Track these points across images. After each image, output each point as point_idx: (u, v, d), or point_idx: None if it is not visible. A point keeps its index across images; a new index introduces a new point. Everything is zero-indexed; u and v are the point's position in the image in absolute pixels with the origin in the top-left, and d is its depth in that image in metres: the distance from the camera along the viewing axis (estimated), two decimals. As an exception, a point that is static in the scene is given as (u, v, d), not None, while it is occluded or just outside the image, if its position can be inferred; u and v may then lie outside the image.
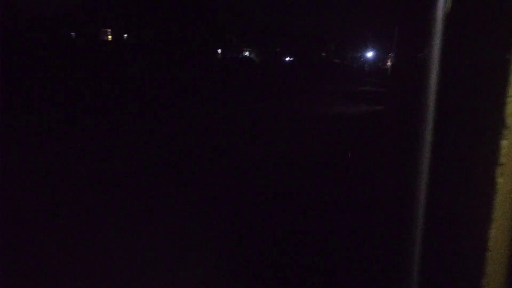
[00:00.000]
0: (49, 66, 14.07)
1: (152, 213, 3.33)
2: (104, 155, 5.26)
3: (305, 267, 2.55)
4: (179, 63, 19.74)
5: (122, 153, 5.37)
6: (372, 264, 2.55)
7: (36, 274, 2.38)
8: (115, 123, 7.74)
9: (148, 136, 6.71)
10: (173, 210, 3.42)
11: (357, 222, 3.25)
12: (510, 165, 1.22)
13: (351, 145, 6.61)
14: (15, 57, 12.67)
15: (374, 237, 2.83)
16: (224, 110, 10.58)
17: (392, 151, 2.47)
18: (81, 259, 2.56)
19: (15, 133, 6.28)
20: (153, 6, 20.69)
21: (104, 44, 20.36)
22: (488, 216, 1.21)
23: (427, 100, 1.28)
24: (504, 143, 1.21)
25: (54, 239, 2.82)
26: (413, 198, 1.27)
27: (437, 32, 1.32)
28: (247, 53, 39.68)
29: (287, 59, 43.20)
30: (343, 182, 4.39)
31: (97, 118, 8.14)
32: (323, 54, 49.16)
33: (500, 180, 1.20)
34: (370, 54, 48.03)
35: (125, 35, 22.09)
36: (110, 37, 22.29)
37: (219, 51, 30.80)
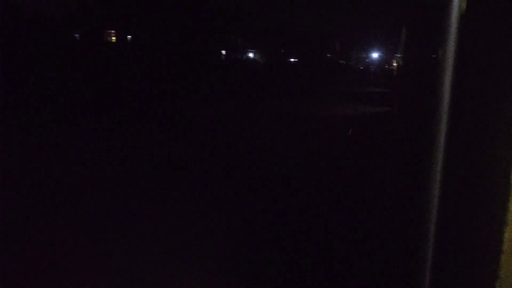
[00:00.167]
0: (52, 67, 14.13)
1: (153, 212, 3.33)
2: (107, 155, 5.23)
3: (314, 268, 2.52)
4: (182, 64, 19.73)
5: (124, 153, 5.35)
6: (384, 266, 2.52)
7: (36, 274, 2.36)
8: (118, 124, 7.72)
9: (152, 136, 6.69)
10: (174, 210, 3.42)
11: (369, 224, 3.22)
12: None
13: (358, 144, 6.50)
14: (18, 58, 12.71)
15: (386, 239, 2.80)
16: (227, 111, 10.55)
17: (401, 152, 2.43)
18: (81, 260, 2.53)
19: (16, 133, 6.28)
20: (156, 7, 20.71)
21: (108, 46, 20.41)
22: (503, 219, 1.18)
23: (441, 101, 1.25)
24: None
25: (53, 239, 2.79)
26: (426, 199, 1.25)
27: (452, 33, 1.27)
28: (251, 55, 39.65)
29: (292, 60, 43.12)
30: (353, 183, 4.32)
31: (100, 119, 8.14)
32: (328, 55, 49.02)
33: (511, 212, 1.15)
34: (375, 55, 47.88)
35: (129, 36, 22.13)
36: (114, 38, 22.34)
37: (223, 52, 30.79)
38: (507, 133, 1.23)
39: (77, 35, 19.88)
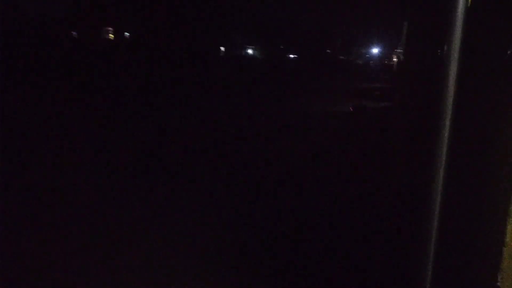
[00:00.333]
0: (50, 65, 14.08)
1: (154, 212, 3.33)
2: (107, 154, 5.22)
3: (314, 267, 2.57)
4: (181, 61, 19.66)
5: (125, 150, 5.34)
6: (386, 259, 2.54)
7: (36, 274, 2.37)
8: (117, 121, 7.69)
9: (151, 134, 6.66)
10: (173, 210, 3.42)
11: (370, 220, 3.19)
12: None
13: (359, 140, 6.44)
14: (15, 56, 12.65)
15: (388, 232, 2.79)
16: (227, 107, 10.52)
17: (404, 147, 2.44)
18: (81, 260, 2.56)
19: (14, 132, 6.24)
20: (154, 4, 20.60)
21: (107, 43, 20.32)
22: (506, 211, 1.19)
23: (445, 98, 1.25)
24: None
25: (53, 239, 2.82)
26: (429, 192, 1.26)
27: (458, 27, 1.24)
28: (250, 51, 39.49)
29: (291, 56, 42.96)
30: (354, 180, 4.30)
31: (99, 116, 8.11)
32: (328, 51, 48.84)
33: None
34: (375, 50, 47.68)
35: (127, 33, 22.03)
36: (112, 35, 22.23)
37: (222, 48, 30.68)
38: (511, 127, 1.23)
39: (74, 33, 19.81)
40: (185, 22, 21.99)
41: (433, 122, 1.28)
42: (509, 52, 1.27)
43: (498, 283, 1.19)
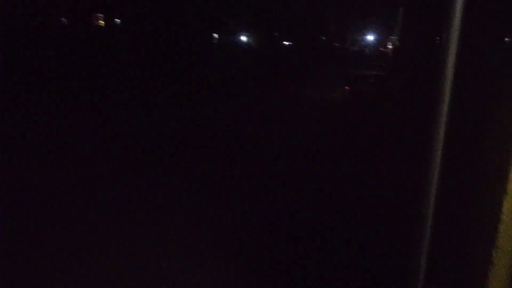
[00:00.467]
0: (40, 54, 13.77)
1: (154, 212, 3.27)
2: (102, 151, 5.07)
3: (309, 266, 2.48)
4: (173, 48, 19.34)
5: (121, 149, 5.20)
6: (380, 261, 2.47)
7: (36, 274, 2.33)
8: (109, 113, 7.54)
9: (142, 125, 6.52)
10: (172, 207, 3.36)
11: (364, 220, 3.13)
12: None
13: (354, 131, 6.35)
14: (3, 45, 12.32)
15: (382, 234, 2.75)
16: (219, 97, 10.37)
17: (396, 142, 2.37)
18: (80, 259, 2.50)
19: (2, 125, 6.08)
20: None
21: (97, 30, 19.90)
22: (498, 215, 1.19)
23: (443, 88, 1.20)
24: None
25: (53, 238, 2.74)
26: (423, 195, 1.24)
27: (457, 15, 1.18)
28: (243, 38, 39.00)
29: (286, 43, 42.55)
30: (346, 179, 4.19)
31: (89, 107, 7.95)
32: (322, 38, 48.42)
33: (510, 181, 1.17)
34: (370, 37, 47.38)
35: (118, 20, 21.57)
36: (102, 22, 21.76)
37: (216, 35, 30.25)
38: (505, 133, 1.20)
39: (64, 20, 19.33)
40: (177, 8, 21.57)
41: (428, 125, 1.23)
42: (506, 39, 1.26)
43: (494, 259, 1.19)
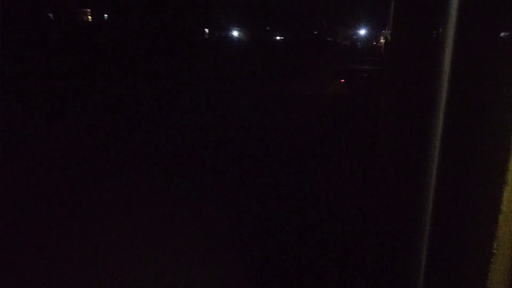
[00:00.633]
0: (28, 49, 13.49)
1: (154, 211, 3.17)
2: (98, 149, 4.96)
3: (307, 266, 2.44)
4: (163, 43, 19.09)
5: (118, 146, 5.08)
6: (379, 258, 2.44)
7: (35, 274, 2.33)
8: (103, 112, 7.38)
9: (134, 123, 6.40)
10: (172, 206, 3.26)
11: (361, 219, 3.08)
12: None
13: (347, 127, 6.27)
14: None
15: (380, 231, 2.69)
16: (211, 92, 10.27)
17: (392, 138, 2.32)
18: (80, 259, 2.49)
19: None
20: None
21: (84, 25, 19.55)
22: (497, 209, 1.19)
23: (439, 85, 1.20)
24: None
25: (52, 238, 2.73)
26: (422, 189, 1.25)
27: (453, 9, 1.16)
28: (235, 33, 38.78)
29: (278, 38, 42.43)
30: (343, 176, 4.12)
31: (80, 104, 7.80)
32: (315, 33, 48.42)
33: (510, 172, 1.16)
34: (362, 32, 47.56)
35: (106, 15, 21.22)
36: (90, 17, 21.40)
37: (206, 30, 29.99)
38: (503, 124, 1.18)
39: (51, 15, 18.95)
40: (167, 3, 21.31)
41: (424, 119, 1.23)
42: (502, 34, 1.20)
43: (494, 250, 1.19)
